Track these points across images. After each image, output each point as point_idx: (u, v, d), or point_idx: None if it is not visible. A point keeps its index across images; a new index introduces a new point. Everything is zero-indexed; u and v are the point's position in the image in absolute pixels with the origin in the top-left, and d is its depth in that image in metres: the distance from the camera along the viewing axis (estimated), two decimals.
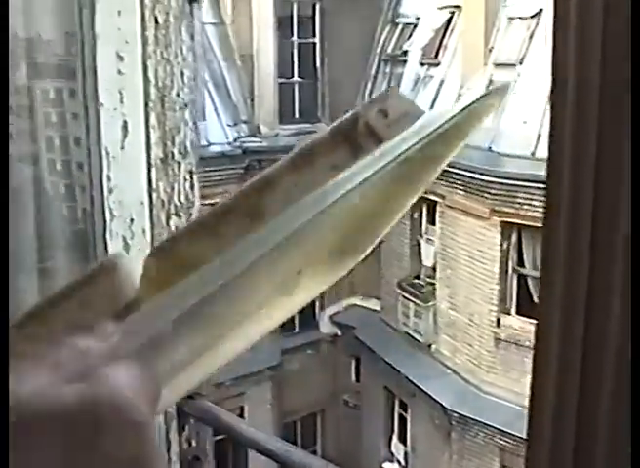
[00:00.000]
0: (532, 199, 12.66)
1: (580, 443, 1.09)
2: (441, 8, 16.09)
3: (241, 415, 15.26)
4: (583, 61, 1.02)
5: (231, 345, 0.63)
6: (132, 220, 2.08)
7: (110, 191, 2.06)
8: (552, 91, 1.09)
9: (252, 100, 16.32)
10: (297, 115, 17.21)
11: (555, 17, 1.05)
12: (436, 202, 14.88)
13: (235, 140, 15.53)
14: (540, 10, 13.75)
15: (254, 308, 0.61)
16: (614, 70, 1.01)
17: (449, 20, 15.84)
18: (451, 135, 0.65)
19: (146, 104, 2.02)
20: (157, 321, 0.56)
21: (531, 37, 13.79)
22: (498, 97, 0.68)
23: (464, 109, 0.65)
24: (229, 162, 14.96)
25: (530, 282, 13.53)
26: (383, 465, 16.60)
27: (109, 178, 2.05)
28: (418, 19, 16.89)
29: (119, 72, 2.01)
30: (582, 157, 1.00)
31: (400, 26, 17.41)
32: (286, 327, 17.21)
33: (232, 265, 0.58)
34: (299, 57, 17.12)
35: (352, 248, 0.65)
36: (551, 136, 1.10)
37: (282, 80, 16.76)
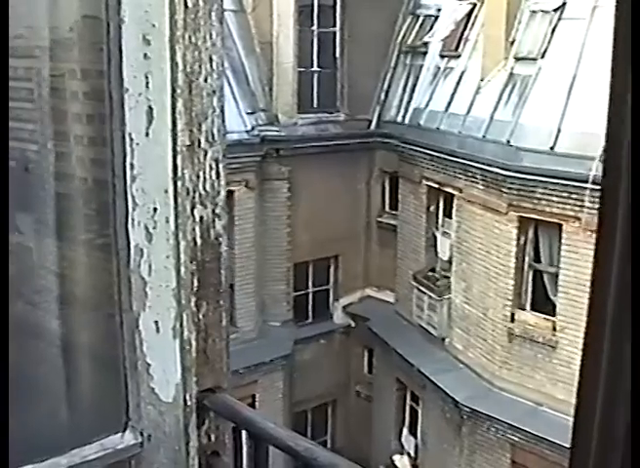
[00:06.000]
0: (550, 194, 12.57)
1: (628, 454, 1.05)
2: (462, 0, 16.00)
3: (252, 404, 15.28)
4: None
5: None
6: (155, 209, 2.02)
7: (133, 179, 2.00)
8: (611, 85, 1.03)
9: (270, 89, 16.28)
10: (315, 104, 17.15)
11: (616, 9, 1.00)
12: (453, 195, 14.80)
13: (253, 129, 15.49)
14: (564, 3, 13.61)
15: None
16: None
17: (470, 13, 15.74)
18: None
19: (173, 90, 1.96)
20: None
21: (553, 31, 13.66)
22: None
23: None
24: (247, 150, 14.92)
25: (545, 278, 13.45)
26: (393, 457, 16.59)
27: (132, 166, 2.00)
28: (439, 10, 16.80)
29: (145, 56, 1.95)
30: None
31: (421, 18, 17.34)
32: (299, 316, 17.22)
33: None
34: (318, 46, 17.06)
35: None
36: (608, 135, 1.05)
37: (301, 69, 16.71)
